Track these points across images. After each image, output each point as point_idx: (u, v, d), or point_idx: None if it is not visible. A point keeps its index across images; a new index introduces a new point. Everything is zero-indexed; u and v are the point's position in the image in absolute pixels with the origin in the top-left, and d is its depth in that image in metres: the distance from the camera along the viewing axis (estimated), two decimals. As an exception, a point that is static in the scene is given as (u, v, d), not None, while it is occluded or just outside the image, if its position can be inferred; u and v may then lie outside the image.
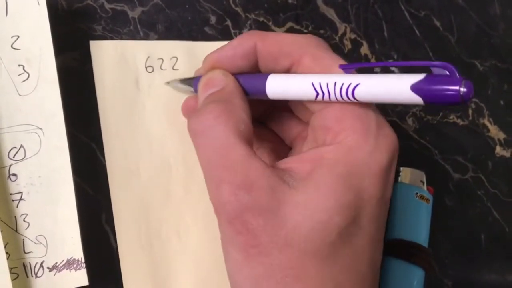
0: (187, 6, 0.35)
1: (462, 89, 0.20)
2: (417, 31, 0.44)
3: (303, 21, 0.39)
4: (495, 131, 0.46)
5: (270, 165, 0.24)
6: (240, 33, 0.37)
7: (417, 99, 0.21)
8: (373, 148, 0.24)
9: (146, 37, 0.34)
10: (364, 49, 0.41)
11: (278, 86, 0.26)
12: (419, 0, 0.44)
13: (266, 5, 0.38)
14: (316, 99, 0.25)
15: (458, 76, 0.21)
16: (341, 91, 0.24)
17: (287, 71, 0.27)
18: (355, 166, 0.24)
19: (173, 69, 0.33)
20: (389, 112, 0.41)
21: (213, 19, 0.36)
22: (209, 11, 0.36)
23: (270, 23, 0.38)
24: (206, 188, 0.32)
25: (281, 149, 0.31)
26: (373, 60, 0.41)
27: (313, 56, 0.26)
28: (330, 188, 0.23)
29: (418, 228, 0.37)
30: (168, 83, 0.32)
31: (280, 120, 0.31)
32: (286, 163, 0.25)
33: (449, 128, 0.44)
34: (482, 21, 0.48)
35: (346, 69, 0.25)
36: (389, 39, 0.42)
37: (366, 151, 0.24)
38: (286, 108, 0.30)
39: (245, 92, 0.27)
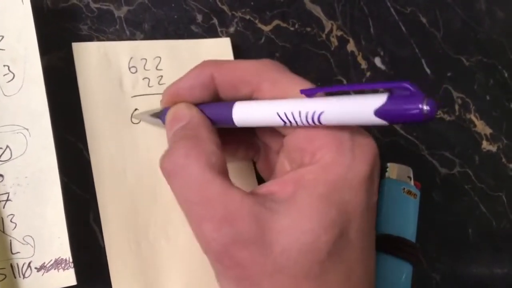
0: (173, 5, 0.35)
1: (425, 108, 0.20)
2: (403, 28, 0.44)
3: (289, 18, 0.39)
4: (481, 126, 0.47)
5: (251, 192, 0.24)
6: (227, 31, 0.37)
7: (381, 122, 0.21)
8: (350, 161, 0.24)
9: (132, 37, 0.33)
10: (351, 46, 0.41)
11: (245, 114, 0.26)
12: (405, -3, 0.45)
13: (252, 3, 0.38)
14: (284, 125, 0.25)
15: (419, 94, 0.21)
16: (306, 119, 0.24)
17: (249, 98, 0.27)
18: (335, 183, 0.24)
19: (157, 69, 0.33)
20: (376, 108, 0.42)
21: (199, 18, 0.36)
22: (195, 10, 0.36)
23: (256, 21, 0.38)
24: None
25: (272, 156, 0.31)
26: (359, 58, 0.42)
27: (271, 81, 0.26)
28: (313, 209, 0.23)
29: (406, 223, 0.37)
30: (137, 116, 0.32)
31: (264, 130, 0.31)
32: (267, 187, 0.25)
33: (436, 124, 0.44)
34: (467, 17, 0.48)
35: (307, 94, 0.24)
36: (375, 35, 0.43)
37: (343, 165, 0.24)
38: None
39: (212, 122, 0.27)
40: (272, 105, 0.25)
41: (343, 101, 0.23)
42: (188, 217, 0.24)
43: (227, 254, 0.23)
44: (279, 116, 0.24)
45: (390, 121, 0.21)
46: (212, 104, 0.28)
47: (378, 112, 0.21)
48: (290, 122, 0.24)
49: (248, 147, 0.32)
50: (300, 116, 0.24)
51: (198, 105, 0.28)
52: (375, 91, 0.23)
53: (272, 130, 0.30)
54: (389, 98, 0.21)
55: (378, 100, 0.21)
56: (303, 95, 0.24)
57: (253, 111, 0.26)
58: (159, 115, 0.30)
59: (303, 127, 0.24)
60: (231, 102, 0.27)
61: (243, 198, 0.23)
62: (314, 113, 0.23)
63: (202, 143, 0.25)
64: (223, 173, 0.24)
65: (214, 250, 0.23)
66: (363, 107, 0.22)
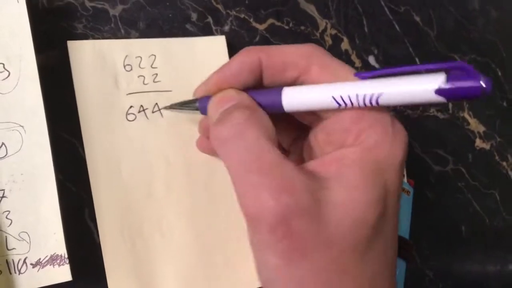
0: (168, 4, 0.35)
1: (482, 84, 0.21)
2: (397, 26, 0.45)
3: (284, 17, 0.39)
4: (474, 124, 0.47)
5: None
6: (222, 30, 0.37)
7: (440, 99, 0.23)
8: (391, 145, 0.25)
9: (127, 35, 0.34)
10: (345, 45, 0.42)
11: (295, 99, 0.26)
12: (399, -4, 0.45)
13: (247, 2, 0.38)
14: (339, 107, 0.25)
15: (475, 72, 0.22)
16: (364, 101, 0.24)
17: (294, 81, 0.27)
18: (379, 163, 0.24)
19: (152, 67, 0.33)
20: (370, 106, 0.42)
21: (194, 16, 0.36)
22: (190, 8, 0.36)
23: (251, 20, 0.38)
24: (188, 186, 0.32)
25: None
26: (353, 56, 0.42)
27: (320, 65, 0.26)
28: (362, 186, 0.24)
29: (399, 220, 0.37)
30: (167, 107, 0.32)
31: (277, 125, 0.32)
32: (308, 166, 0.25)
33: (430, 122, 0.45)
34: (461, 16, 0.49)
35: (361, 77, 0.25)
36: (369, 34, 0.43)
37: (386, 149, 0.25)
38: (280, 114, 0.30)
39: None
40: (327, 88, 0.25)
41: (402, 82, 0.23)
42: (240, 184, 0.24)
43: (283, 223, 0.22)
44: (334, 99, 0.25)
45: (450, 98, 0.22)
46: (257, 90, 0.28)
47: (439, 91, 0.22)
48: (345, 104, 0.25)
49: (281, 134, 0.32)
50: (357, 98, 0.24)
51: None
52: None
53: (286, 127, 0.30)
54: (447, 78, 0.22)
55: (437, 79, 0.22)
56: (356, 78, 0.25)
57: (306, 95, 0.26)
58: (195, 105, 0.30)
59: (350, 108, 0.25)
60: (277, 87, 0.27)
61: (299, 171, 0.24)
62: (372, 95, 0.24)
63: (259, 115, 0.25)
64: (277, 146, 0.25)
65: (269, 219, 0.22)
66: (423, 87, 0.23)
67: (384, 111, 0.25)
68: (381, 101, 0.24)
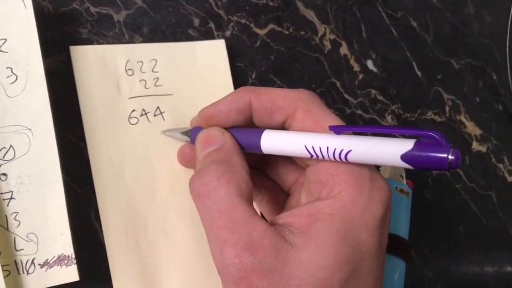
0: (171, 9, 0.36)
1: (450, 157, 0.21)
2: (394, 32, 0.46)
3: (284, 22, 0.40)
4: (471, 127, 0.48)
5: (270, 222, 0.25)
6: (223, 35, 0.38)
7: (406, 165, 0.22)
8: (368, 202, 0.25)
9: (131, 40, 0.34)
10: (344, 49, 0.42)
11: (272, 143, 0.27)
12: (396, 2, 0.46)
13: (247, 8, 0.39)
14: (310, 157, 0.26)
15: (445, 144, 0.22)
16: (334, 155, 0.24)
17: (282, 124, 0.28)
18: (351, 221, 0.24)
19: (153, 71, 0.34)
20: (369, 110, 0.43)
21: (196, 22, 0.37)
22: (192, 14, 0.37)
23: (252, 25, 0.39)
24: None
25: (278, 196, 0.32)
26: (352, 60, 0.43)
27: (305, 111, 0.27)
28: (330, 245, 0.23)
29: (399, 221, 0.38)
30: (164, 132, 0.33)
31: (276, 166, 0.32)
32: (284, 218, 0.25)
33: (427, 125, 0.45)
34: (457, 21, 0.49)
35: (335, 131, 0.25)
36: (367, 39, 0.44)
37: (361, 205, 0.24)
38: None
39: (240, 146, 0.28)
40: (301, 137, 0.26)
41: (371, 142, 0.23)
42: (210, 238, 0.25)
43: (245, 281, 0.23)
44: (306, 148, 0.25)
45: (415, 166, 0.22)
46: (242, 129, 0.29)
47: (405, 157, 0.22)
48: (316, 155, 0.25)
49: (253, 188, 0.32)
50: (327, 151, 0.25)
51: (228, 128, 0.29)
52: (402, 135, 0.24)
53: (287, 168, 0.31)
54: (416, 145, 0.22)
55: (405, 145, 0.22)
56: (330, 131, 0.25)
57: (282, 140, 0.27)
58: (188, 133, 0.31)
59: (327, 161, 0.25)
60: (260, 129, 0.28)
61: (267, 228, 0.24)
62: (342, 150, 0.24)
63: (234, 169, 0.26)
64: (250, 201, 0.25)
65: (232, 274, 0.23)
66: (390, 151, 0.23)
67: (364, 166, 0.25)
68: (350, 158, 0.24)
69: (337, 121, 0.26)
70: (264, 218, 0.33)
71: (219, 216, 0.24)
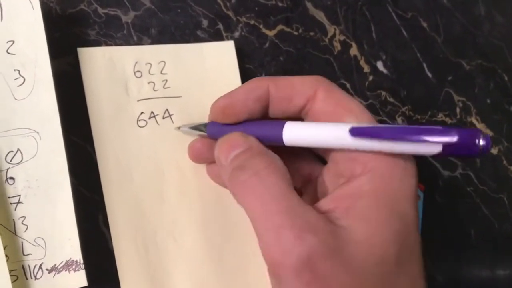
0: (179, 11, 0.36)
1: (481, 142, 0.21)
2: (404, 32, 0.45)
3: (293, 23, 0.40)
4: (482, 129, 0.47)
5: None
6: (232, 36, 0.37)
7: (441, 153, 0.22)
8: (403, 173, 0.24)
9: (139, 42, 0.34)
10: (353, 50, 0.42)
11: (295, 135, 0.26)
12: (406, 2, 0.45)
13: (256, 8, 0.38)
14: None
15: (474, 130, 0.21)
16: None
17: (301, 109, 0.27)
18: (393, 193, 0.24)
19: (162, 73, 0.33)
20: (379, 111, 0.42)
21: (205, 23, 0.36)
22: (201, 15, 0.36)
23: (261, 26, 0.38)
24: (200, 191, 0.32)
25: None
26: (362, 61, 0.42)
27: (326, 92, 0.27)
28: (379, 220, 0.23)
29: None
30: (178, 128, 0.32)
31: (288, 163, 0.31)
32: (325, 205, 0.24)
33: (438, 127, 0.45)
34: (467, 21, 0.49)
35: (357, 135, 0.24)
36: (377, 40, 0.43)
37: (398, 177, 0.24)
38: (293, 151, 0.29)
39: (260, 140, 0.28)
40: (326, 129, 0.25)
41: (397, 146, 0.23)
42: (263, 227, 0.23)
43: (309, 265, 0.22)
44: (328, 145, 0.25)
45: (447, 153, 0.22)
46: (260, 122, 0.28)
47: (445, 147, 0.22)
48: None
49: None
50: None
51: (245, 123, 0.28)
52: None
53: (298, 165, 0.30)
54: (444, 149, 0.22)
55: (434, 148, 0.22)
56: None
57: (304, 132, 0.26)
58: (203, 128, 0.31)
59: None
60: (280, 121, 0.27)
61: (318, 213, 0.23)
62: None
63: (276, 160, 0.25)
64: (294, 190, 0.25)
65: (294, 262, 0.22)
66: (431, 146, 0.22)
67: None
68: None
69: (357, 104, 0.26)
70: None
71: (273, 201, 0.23)
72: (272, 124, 0.27)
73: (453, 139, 0.21)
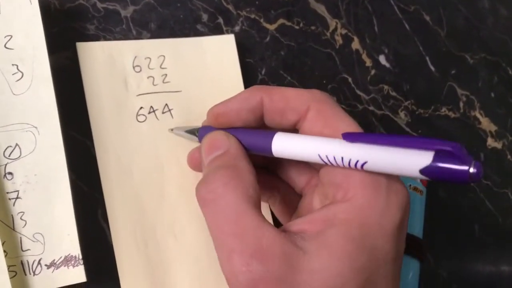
0: (178, 5, 0.35)
1: (471, 170, 0.20)
2: (407, 26, 0.45)
3: (294, 17, 0.39)
4: (486, 123, 0.47)
5: (283, 228, 0.24)
6: (232, 30, 0.37)
7: (425, 178, 0.22)
8: (385, 206, 0.24)
9: (138, 36, 0.34)
10: (355, 44, 0.42)
11: (284, 147, 0.26)
12: (409, -5, 0.45)
13: (257, 2, 0.38)
14: (324, 164, 0.25)
15: (466, 156, 0.21)
16: (349, 164, 0.23)
17: (294, 124, 0.27)
18: (367, 227, 0.23)
19: (161, 67, 0.33)
20: (381, 106, 0.42)
21: (205, 17, 0.36)
22: (200, 9, 0.36)
23: (261, 20, 0.38)
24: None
25: (291, 197, 0.31)
26: (364, 55, 0.42)
27: (316, 111, 0.26)
28: (344, 252, 0.22)
29: (413, 220, 0.37)
30: (171, 130, 0.32)
31: (288, 168, 0.31)
32: (297, 224, 0.24)
33: (441, 121, 0.45)
34: (471, 14, 0.48)
35: (349, 140, 0.24)
36: (379, 34, 0.43)
37: (378, 210, 0.23)
38: None
39: (248, 148, 0.27)
40: (314, 143, 0.25)
41: (388, 153, 0.22)
42: (217, 246, 0.24)
43: None
44: (320, 157, 0.24)
45: (435, 179, 0.21)
46: (251, 131, 0.28)
47: (424, 171, 0.21)
48: (330, 163, 0.24)
49: (265, 189, 0.31)
50: (342, 161, 0.24)
51: (236, 129, 0.28)
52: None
53: (299, 169, 0.30)
54: (435, 157, 0.21)
55: (424, 158, 0.21)
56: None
57: (293, 145, 0.26)
58: (195, 132, 0.31)
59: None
60: (271, 132, 0.27)
61: (276, 235, 0.23)
62: (357, 161, 0.23)
63: (241, 174, 0.25)
64: (258, 207, 0.24)
65: (241, 283, 0.22)
66: (408, 163, 0.22)
67: None
68: (366, 168, 0.23)
69: (349, 123, 0.25)
70: (276, 220, 0.33)
71: (227, 224, 0.23)
72: (262, 134, 0.27)
73: (447, 147, 0.21)
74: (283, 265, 0.22)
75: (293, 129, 0.28)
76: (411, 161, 0.22)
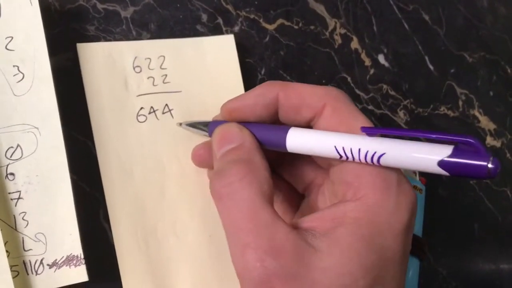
0: (178, 5, 0.36)
1: (489, 165, 0.20)
2: (406, 25, 0.45)
3: (293, 17, 0.40)
4: (485, 122, 0.47)
5: (293, 225, 0.24)
6: (232, 30, 0.37)
7: (443, 172, 0.22)
8: (394, 207, 0.24)
9: (138, 37, 0.34)
10: (354, 44, 0.42)
11: (299, 142, 0.26)
12: (407, -6, 0.45)
13: (256, 2, 0.38)
14: (340, 158, 0.25)
15: (485, 152, 0.21)
16: (366, 157, 0.23)
17: (308, 121, 0.27)
18: (377, 226, 0.23)
19: (161, 68, 0.33)
20: (380, 105, 0.42)
21: (204, 17, 0.36)
22: (200, 9, 0.36)
23: (261, 20, 0.38)
24: (201, 187, 0.32)
25: (292, 197, 0.31)
26: (363, 55, 0.42)
27: (333, 108, 0.26)
28: (354, 250, 0.23)
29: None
30: (180, 124, 0.32)
31: (292, 167, 0.31)
32: (307, 221, 0.24)
33: (440, 120, 0.45)
34: (470, 13, 0.48)
35: (368, 133, 0.24)
36: (378, 33, 0.43)
37: (387, 210, 0.24)
38: (298, 155, 0.29)
39: (261, 143, 0.27)
40: (331, 137, 0.25)
41: (407, 146, 0.22)
42: (231, 241, 0.24)
43: (267, 285, 0.22)
44: (336, 149, 0.24)
45: (453, 173, 0.21)
46: (265, 125, 0.28)
47: (442, 164, 0.21)
48: (346, 156, 0.24)
49: None
50: (359, 153, 0.24)
51: (249, 123, 0.28)
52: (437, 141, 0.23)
53: (303, 169, 0.30)
54: (454, 151, 0.21)
55: (443, 151, 0.21)
56: (362, 133, 0.24)
57: (309, 139, 0.26)
58: (202, 126, 0.31)
59: (353, 161, 0.24)
60: (285, 126, 0.27)
61: (289, 231, 0.23)
62: (374, 153, 0.23)
63: (256, 169, 0.25)
64: (272, 202, 0.24)
65: (253, 279, 0.23)
66: (427, 156, 0.22)
67: (391, 169, 0.24)
68: (382, 161, 0.23)
69: (364, 121, 0.25)
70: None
71: (242, 218, 0.23)
72: (276, 129, 0.27)
73: (469, 139, 0.21)
74: (296, 262, 0.22)
75: (307, 126, 0.27)
76: (430, 153, 0.22)
